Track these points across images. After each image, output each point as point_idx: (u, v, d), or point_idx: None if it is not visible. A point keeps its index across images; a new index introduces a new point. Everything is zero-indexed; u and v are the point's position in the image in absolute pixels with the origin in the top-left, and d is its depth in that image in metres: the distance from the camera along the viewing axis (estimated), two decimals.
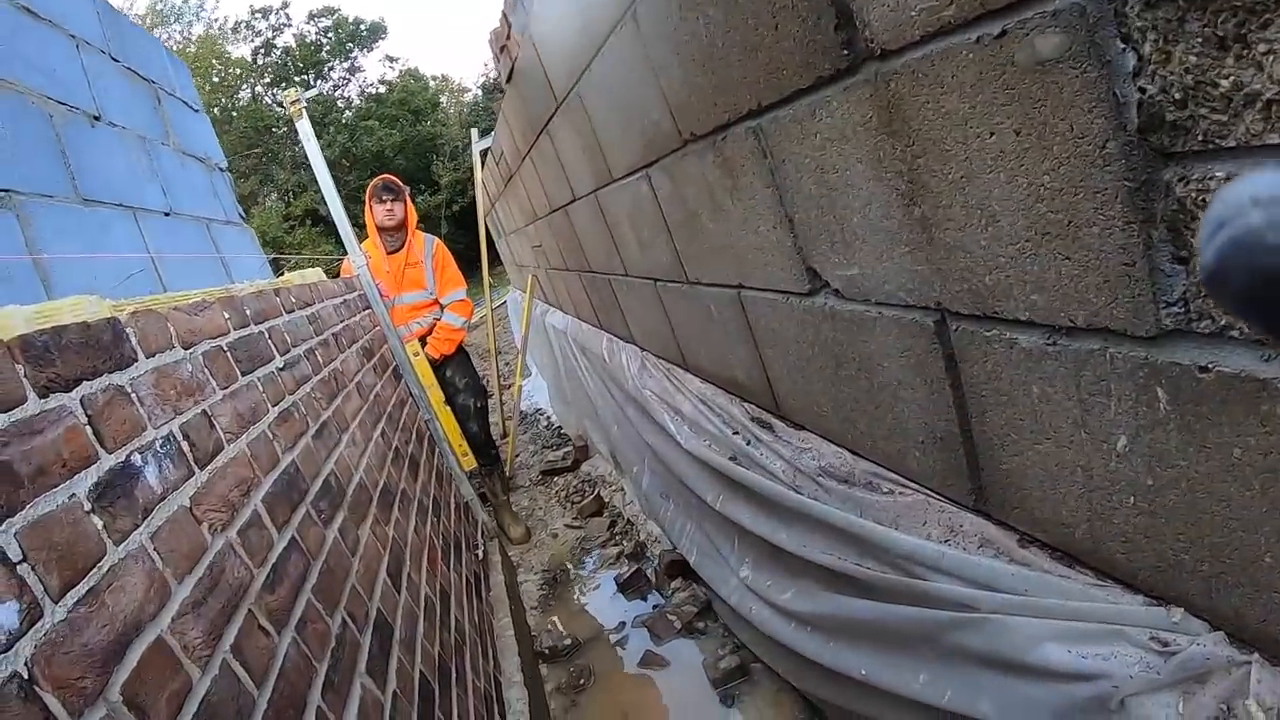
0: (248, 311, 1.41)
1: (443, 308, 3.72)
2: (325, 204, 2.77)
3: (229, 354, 1.22)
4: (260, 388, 1.30)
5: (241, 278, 2.80)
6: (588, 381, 3.63)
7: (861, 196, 1.08)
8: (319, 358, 1.79)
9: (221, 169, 3.25)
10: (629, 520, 3.30)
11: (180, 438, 0.92)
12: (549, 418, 5.62)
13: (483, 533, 3.11)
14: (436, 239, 3.79)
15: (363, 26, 26.19)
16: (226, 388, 1.15)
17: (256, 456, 1.14)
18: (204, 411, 1.03)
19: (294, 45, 24.84)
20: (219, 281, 2.58)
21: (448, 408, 3.38)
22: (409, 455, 2.37)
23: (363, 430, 1.90)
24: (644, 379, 2.62)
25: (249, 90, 22.98)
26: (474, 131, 6.13)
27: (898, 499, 1.31)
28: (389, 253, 3.63)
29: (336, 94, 25.74)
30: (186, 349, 1.06)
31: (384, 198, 3.57)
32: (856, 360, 1.32)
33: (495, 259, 6.56)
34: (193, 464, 0.93)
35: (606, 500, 3.65)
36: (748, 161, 1.37)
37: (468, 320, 3.86)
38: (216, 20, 22.83)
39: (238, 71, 22.36)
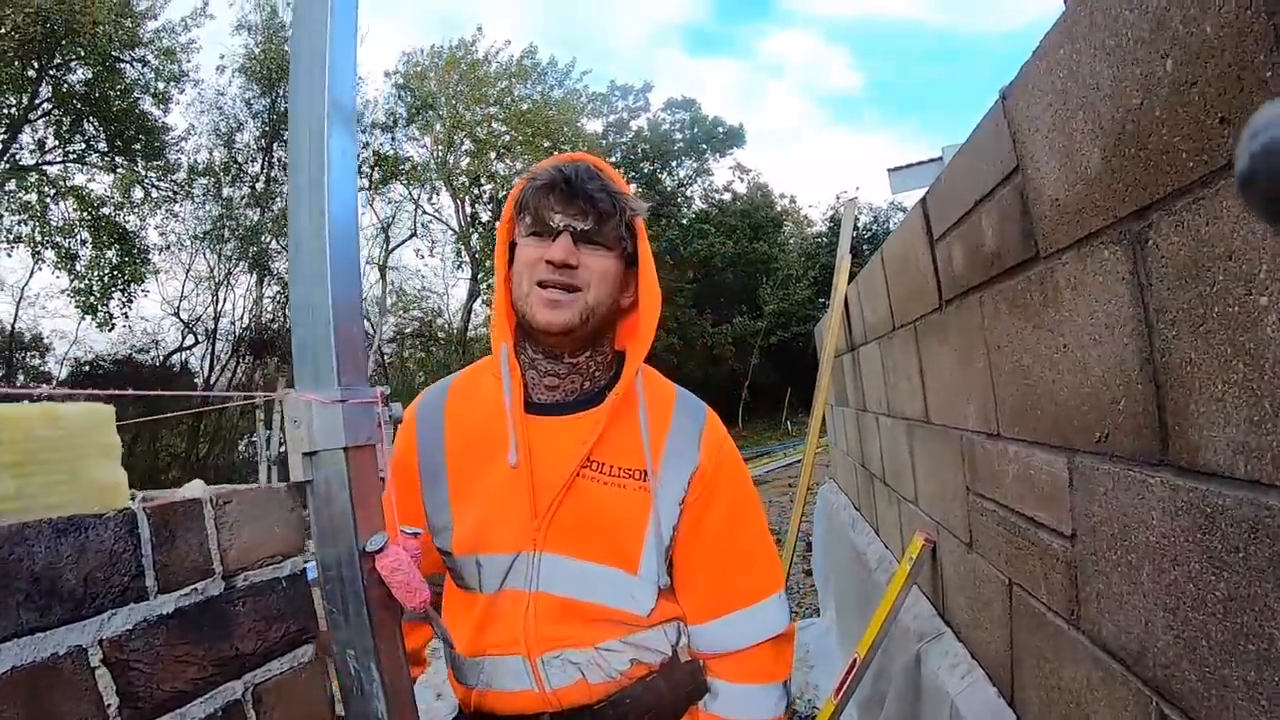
0: None
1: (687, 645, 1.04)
2: None
3: None
4: None
5: None
6: None
7: None
8: None
9: None
10: None
11: None
12: None
13: None
14: (709, 411, 1.07)
15: (720, 129, 25.84)
16: None
17: None
18: None
19: (646, 129, 24.88)
20: None
21: None
22: None
23: None
24: None
25: None
26: (852, 201, 3.56)
27: None
28: (545, 409, 0.99)
29: (680, 190, 25.63)
30: None
31: (556, 214, 0.93)
32: None
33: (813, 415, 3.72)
34: None
35: None
36: None
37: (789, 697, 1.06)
38: (578, 90, 24.20)
39: (584, 147, 22.90)
